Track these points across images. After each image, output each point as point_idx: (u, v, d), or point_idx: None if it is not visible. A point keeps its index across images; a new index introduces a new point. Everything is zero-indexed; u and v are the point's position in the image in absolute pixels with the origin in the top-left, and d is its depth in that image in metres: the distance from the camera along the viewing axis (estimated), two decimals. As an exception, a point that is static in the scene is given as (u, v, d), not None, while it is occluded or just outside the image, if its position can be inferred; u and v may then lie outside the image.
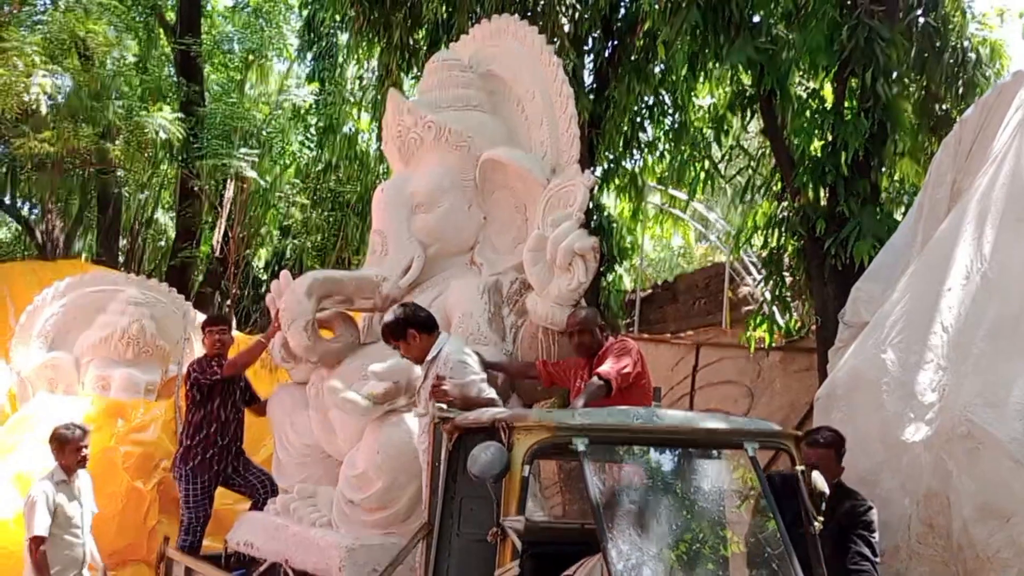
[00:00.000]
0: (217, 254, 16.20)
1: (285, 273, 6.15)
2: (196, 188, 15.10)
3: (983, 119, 5.76)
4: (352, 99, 16.15)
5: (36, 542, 5.50)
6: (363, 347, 6.04)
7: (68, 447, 5.75)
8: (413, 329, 4.80)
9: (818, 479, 3.78)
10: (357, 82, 16.40)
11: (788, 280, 8.71)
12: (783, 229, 8.15)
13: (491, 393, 4.67)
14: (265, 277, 17.93)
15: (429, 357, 4.78)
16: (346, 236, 15.21)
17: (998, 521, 4.16)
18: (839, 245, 7.23)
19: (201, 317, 10.16)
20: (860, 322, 5.80)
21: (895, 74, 8.01)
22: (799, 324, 8.74)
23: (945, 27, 10.03)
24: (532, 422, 3.48)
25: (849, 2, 7.57)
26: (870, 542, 4.35)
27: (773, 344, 8.55)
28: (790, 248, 8.30)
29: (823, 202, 7.74)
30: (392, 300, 5.95)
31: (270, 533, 5.63)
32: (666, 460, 3.85)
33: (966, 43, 10.08)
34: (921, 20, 9.78)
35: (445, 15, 11.64)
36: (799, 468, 3.76)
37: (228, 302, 16.06)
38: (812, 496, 3.73)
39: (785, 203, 8.14)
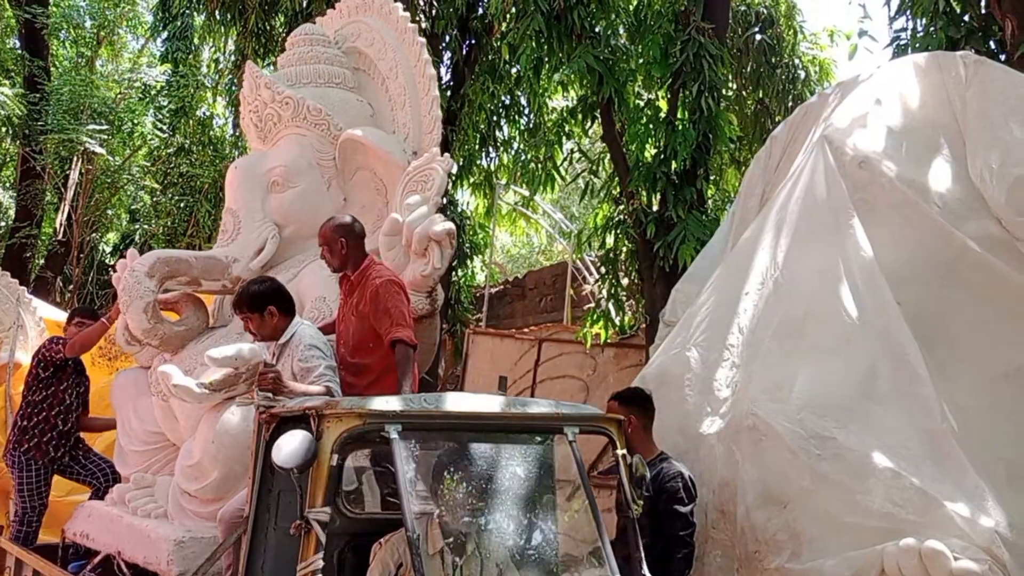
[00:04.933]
0: (60, 236, 15.56)
1: (132, 251, 5.87)
2: (39, 167, 14.47)
3: (790, 136, 6.21)
4: (207, 83, 15.79)
5: None
6: (210, 331, 5.85)
7: None
8: (274, 306, 4.58)
9: (639, 463, 3.81)
10: (213, 65, 16.05)
11: (624, 280, 9.10)
12: (619, 231, 8.52)
13: (331, 382, 4.45)
14: (112, 262, 17.33)
15: (282, 340, 4.62)
16: (198, 222, 14.89)
17: (776, 507, 4.46)
18: (666, 248, 7.62)
19: (37, 302, 9.80)
20: (678, 321, 6.14)
21: (723, 89, 8.48)
22: (632, 322, 9.16)
23: (779, 45, 10.72)
24: (342, 410, 3.38)
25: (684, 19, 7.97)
26: (678, 515, 4.51)
27: (608, 340, 8.93)
28: (624, 250, 8.68)
29: (655, 206, 8.13)
30: (243, 283, 5.71)
31: (105, 524, 5.44)
32: (485, 446, 3.75)
33: (797, 61, 10.81)
34: (758, 37, 10.40)
35: (303, 2, 11.57)
36: (620, 452, 3.74)
37: (71, 287, 15.47)
38: (632, 480, 3.74)
39: (622, 206, 8.51)
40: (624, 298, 9.01)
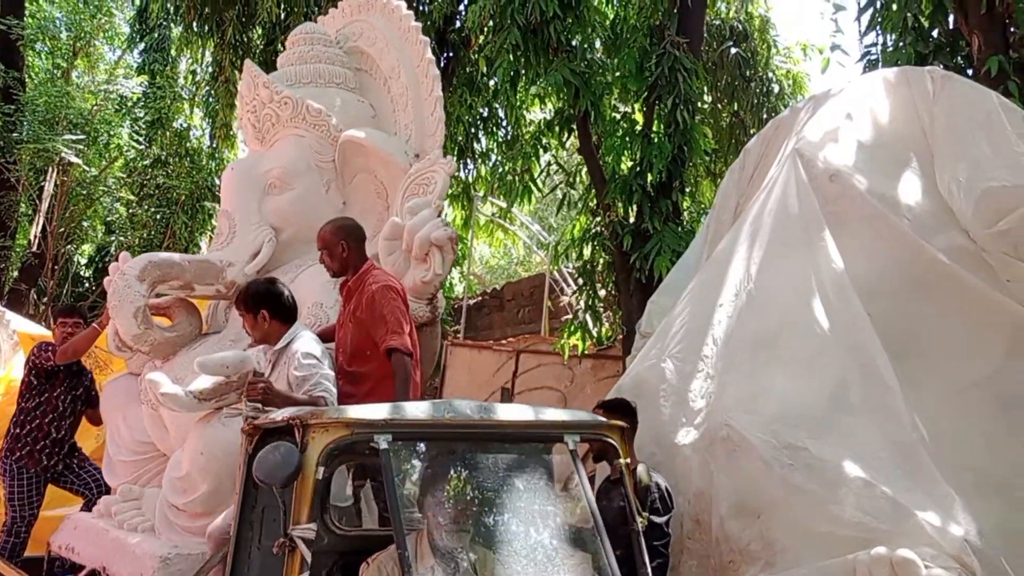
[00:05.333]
0: (35, 248, 15.43)
1: (124, 254, 5.66)
2: (13, 179, 14.36)
3: (763, 149, 6.29)
4: (184, 94, 15.75)
5: None
6: (202, 338, 5.67)
7: None
8: (266, 310, 4.37)
9: (643, 472, 3.74)
10: (190, 77, 16.02)
11: (601, 292, 9.16)
12: (595, 243, 8.57)
13: (326, 392, 4.17)
14: (87, 274, 17.20)
15: (279, 346, 4.38)
16: (174, 234, 14.81)
17: (750, 517, 4.49)
18: (642, 259, 7.68)
19: (11, 315, 9.71)
20: (653, 332, 6.18)
21: (697, 102, 8.58)
22: (609, 333, 9.22)
23: (753, 58, 10.85)
24: (328, 419, 3.16)
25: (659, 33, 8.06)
26: (653, 525, 4.40)
27: (585, 352, 8.97)
28: (601, 261, 8.73)
29: (631, 218, 8.20)
30: (237, 288, 5.41)
31: (91, 537, 5.27)
32: (480, 456, 3.53)
33: (771, 74, 10.94)
34: (733, 51, 10.51)
35: (281, 15, 11.60)
36: (623, 461, 3.61)
37: (45, 299, 15.34)
38: (636, 490, 3.67)
39: (598, 218, 8.57)
40: (601, 309, 9.06)
